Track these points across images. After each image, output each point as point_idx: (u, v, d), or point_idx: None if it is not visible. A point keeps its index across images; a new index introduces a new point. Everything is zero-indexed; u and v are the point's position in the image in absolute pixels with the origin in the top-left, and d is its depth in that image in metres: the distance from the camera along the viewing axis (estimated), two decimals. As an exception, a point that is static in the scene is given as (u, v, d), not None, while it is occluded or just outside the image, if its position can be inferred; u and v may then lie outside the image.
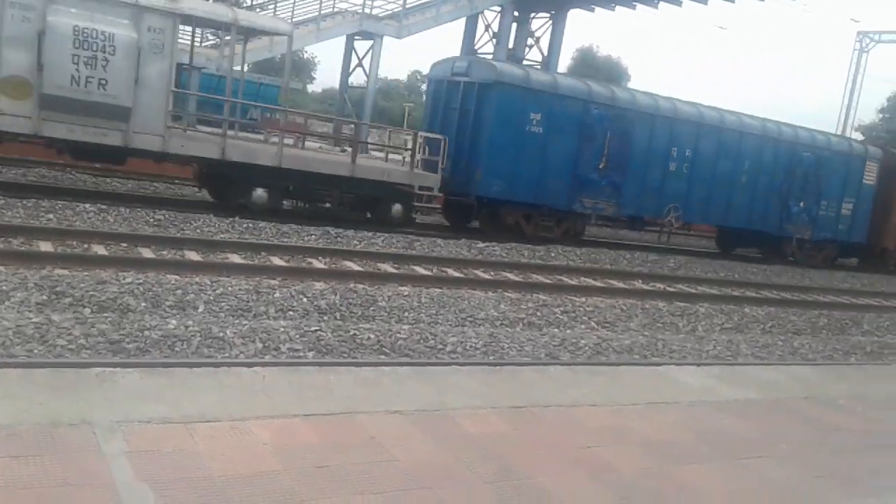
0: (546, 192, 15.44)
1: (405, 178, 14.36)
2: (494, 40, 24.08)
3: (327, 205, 13.80)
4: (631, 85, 53.22)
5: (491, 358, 6.80)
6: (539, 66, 23.68)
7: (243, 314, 7.03)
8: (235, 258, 9.37)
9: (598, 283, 12.02)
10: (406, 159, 15.09)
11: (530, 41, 24.58)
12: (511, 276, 11.24)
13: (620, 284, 12.35)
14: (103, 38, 11.24)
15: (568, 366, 6.16)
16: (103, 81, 11.29)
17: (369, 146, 18.66)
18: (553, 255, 13.98)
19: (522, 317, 8.82)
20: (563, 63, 48.84)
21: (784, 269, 18.45)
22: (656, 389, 5.51)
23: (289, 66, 15.71)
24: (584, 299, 10.48)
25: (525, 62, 24.31)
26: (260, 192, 12.88)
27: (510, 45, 24.03)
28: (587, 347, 7.89)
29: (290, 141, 14.82)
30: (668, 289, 12.65)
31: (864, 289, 17.46)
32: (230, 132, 13.36)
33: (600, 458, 3.98)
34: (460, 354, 6.80)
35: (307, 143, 16.22)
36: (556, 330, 8.53)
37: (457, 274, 10.81)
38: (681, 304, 11.43)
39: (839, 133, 38.49)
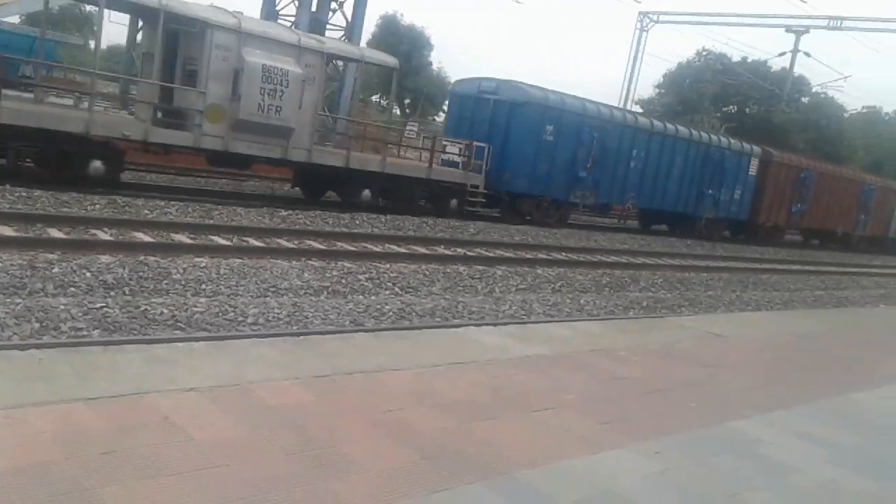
0: (552, 187, 20.32)
1: (462, 178, 18.47)
2: (297, 2, 23.33)
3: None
4: (434, 55, 53.99)
5: (295, 328, 6.70)
6: (343, 32, 23.45)
7: (16, 292, 6.39)
8: (6, 230, 8.48)
9: (402, 250, 12.19)
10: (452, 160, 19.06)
11: (334, 5, 24.10)
12: (315, 245, 11.10)
13: (423, 250, 12.60)
14: (280, 74, 14.24)
15: (372, 332, 6.20)
16: (279, 108, 14.29)
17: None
18: (358, 222, 13.98)
19: (327, 285, 8.75)
20: (367, 29, 48.40)
21: (572, 233, 19.72)
22: (457, 350, 5.68)
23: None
24: (388, 265, 10.58)
25: (328, 27, 23.90)
26: (366, 192, 16.22)
27: (313, 9, 23.43)
28: (391, 313, 7.98)
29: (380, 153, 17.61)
30: (468, 253, 13.08)
31: (641, 249, 19.05)
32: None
33: (403, 421, 4.04)
34: (262, 326, 6.64)
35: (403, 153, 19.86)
36: (360, 297, 8.55)
37: (258, 243, 10.50)
38: (480, 268, 11.85)
39: (620, 105, 41.74)
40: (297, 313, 7.21)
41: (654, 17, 44.57)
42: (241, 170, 16.73)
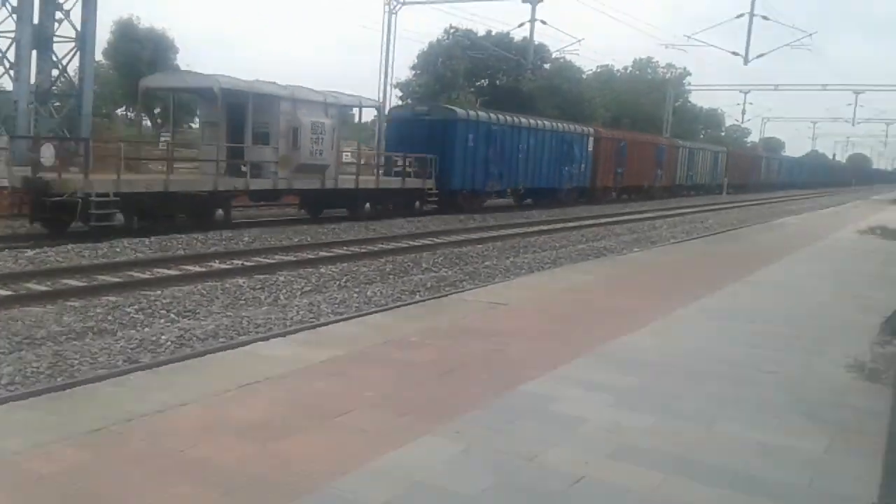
0: (476, 182, 27.56)
1: (422, 184, 24.75)
2: (15, 16, 20.91)
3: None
4: (180, 56, 51.21)
5: (59, 380, 6.09)
6: (74, 44, 21.77)
7: None
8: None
9: (173, 272, 11.56)
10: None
11: (59, 15, 21.99)
12: (72, 283, 10.20)
13: (197, 268, 12.04)
14: (320, 126, 20.16)
15: (150, 368, 5.79)
16: (321, 151, 20.24)
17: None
18: (118, 249, 13.04)
19: (91, 325, 8.08)
20: (102, 37, 44.75)
21: (350, 226, 19.76)
22: (247, 370, 5.45)
23: None
24: (159, 291, 9.98)
25: (56, 39, 21.91)
26: (367, 205, 22.29)
27: (35, 21, 21.16)
28: (169, 343, 7.54)
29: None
30: (245, 264, 12.68)
31: (418, 231, 19.52)
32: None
33: (199, 459, 3.80)
34: (20, 385, 5.96)
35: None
36: (132, 331, 7.99)
37: (4, 291, 9.44)
38: (260, 277, 11.54)
39: (381, 90, 42.63)
40: (59, 363, 6.57)
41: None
42: (275, 201, 22.53)
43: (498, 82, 74.21)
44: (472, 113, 28.27)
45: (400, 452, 3.98)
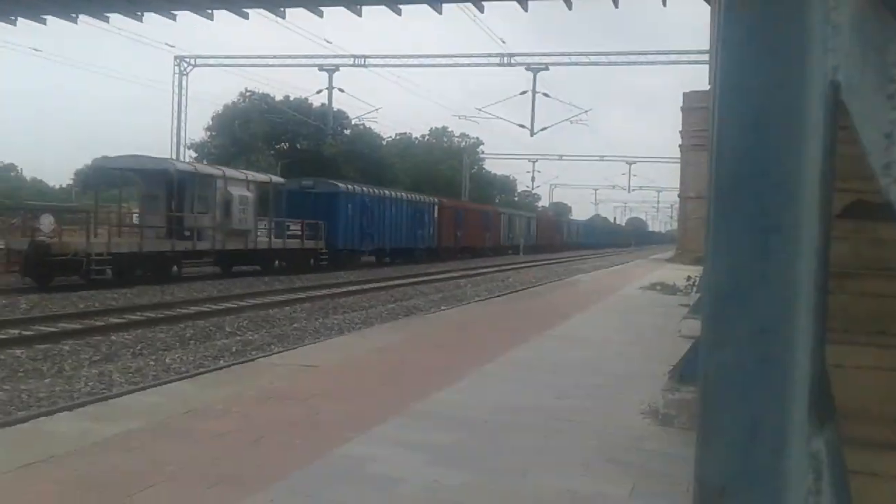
0: (355, 242, 34.21)
1: (315, 245, 30.84)
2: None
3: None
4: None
5: None
6: None
7: None
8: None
9: (-65, 345, 10.23)
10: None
11: None
12: None
13: (-35, 340, 10.75)
14: (245, 199, 26.12)
15: None
16: (245, 219, 26.06)
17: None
18: None
19: None
20: None
21: (145, 289, 18.62)
22: (28, 450, 4.88)
23: None
24: (-83, 367, 8.77)
25: None
26: (277, 262, 28.69)
27: None
28: (-69, 424, 6.58)
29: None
30: (24, 333, 11.52)
31: (221, 294, 18.76)
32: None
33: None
34: None
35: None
36: None
37: None
38: (42, 347, 10.54)
39: (173, 151, 41.41)
40: None
41: (192, 62, 44.26)
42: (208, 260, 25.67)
43: (299, 146, 74.11)
44: (350, 186, 35.84)
45: (208, 529, 3.71)
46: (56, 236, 19.41)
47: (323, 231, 31.16)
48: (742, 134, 0.86)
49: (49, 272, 18.65)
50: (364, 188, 36.75)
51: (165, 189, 23.65)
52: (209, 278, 23.42)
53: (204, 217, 23.95)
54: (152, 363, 10.21)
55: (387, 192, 39.20)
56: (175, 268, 22.83)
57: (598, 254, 71.80)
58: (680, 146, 39.03)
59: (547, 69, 40.57)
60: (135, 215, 26.11)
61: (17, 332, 11.59)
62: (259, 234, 27.20)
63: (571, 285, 23.39)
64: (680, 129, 38.57)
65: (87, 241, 19.69)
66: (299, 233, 30.07)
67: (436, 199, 44.79)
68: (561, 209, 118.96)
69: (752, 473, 0.81)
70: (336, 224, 32.48)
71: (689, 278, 19.07)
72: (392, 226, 37.98)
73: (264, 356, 10.15)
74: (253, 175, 28.12)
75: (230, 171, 26.59)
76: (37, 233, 19.25)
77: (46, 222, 19.70)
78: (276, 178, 31.51)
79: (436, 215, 43.74)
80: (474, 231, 50.54)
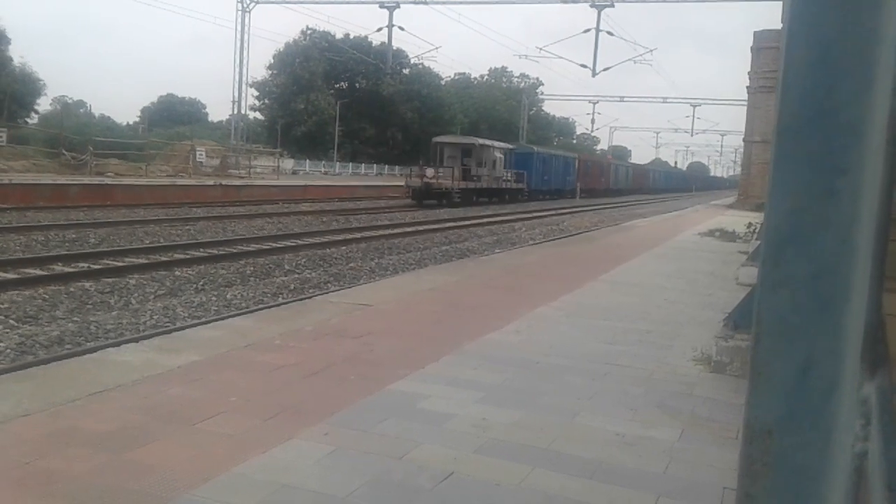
0: (540, 185, 52.19)
1: (521, 186, 47.86)
2: None
3: None
4: (13, 48, 47.95)
5: None
6: None
7: None
8: None
9: (11, 275, 10.71)
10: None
11: None
12: None
13: (38, 271, 11.21)
14: (500, 160, 44.79)
15: (-14, 378, 5.31)
16: (500, 170, 44.66)
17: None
18: (-54, 251, 11.93)
19: (-84, 333, 7.32)
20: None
21: (208, 225, 19.05)
22: (97, 378, 5.12)
23: None
24: (-5, 296, 9.20)
25: None
26: (507, 197, 46.13)
27: None
28: (9, 350, 6.98)
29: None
30: (93, 266, 11.94)
31: (280, 233, 19.10)
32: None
33: (47, 470, 3.53)
34: None
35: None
36: (-36, 339, 7.31)
37: None
38: (109, 280, 10.91)
39: (235, 88, 41.89)
40: None
41: (254, -2, 44.29)
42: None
43: (357, 85, 73.74)
44: (537, 148, 54.99)
45: (267, 456, 3.86)
46: (435, 178, 36.25)
47: (524, 177, 47.27)
48: (811, 72, 0.84)
49: (427, 198, 35.56)
50: (543, 150, 56.58)
51: (461, 153, 40.03)
52: (269, 216, 23.82)
53: (483, 169, 40.82)
54: (214, 298, 10.51)
55: (553, 151, 61.43)
56: (474, 197, 39.85)
57: (656, 199, 70.57)
58: (747, 88, 37.71)
59: (612, 5, 39.42)
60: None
61: (86, 265, 12.03)
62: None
63: (627, 230, 23.11)
64: (748, 70, 37.22)
65: (451, 182, 36.89)
66: (513, 178, 45.71)
67: (576, 155, 64.57)
68: (620, 152, 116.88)
69: (801, 415, 0.81)
70: (531, 173, 48.75)
71: (749, 225, 18.66)
72: (556, 174, 55.37)
73: (321, 294, 10.36)
74: (502, 144, 45.64)
75: (496, 143, 44.59)
76: (423, 178, 36.28)
77: (430, 172, 36.47)
78: (507, 145, 47.40)
79: (575, 166, 60.79)
80: (595, 177, 67.20)
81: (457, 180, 37.49)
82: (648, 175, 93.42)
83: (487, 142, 43.38)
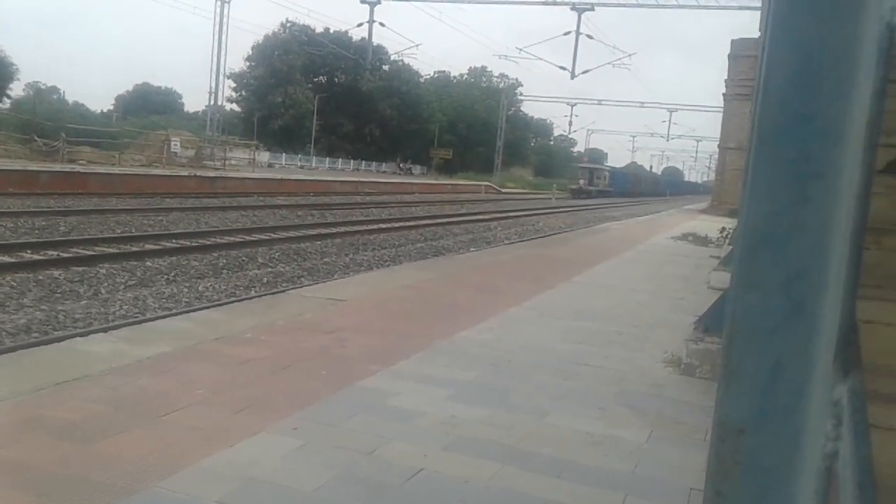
0: (619, 189, 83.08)
1: (606, 189, 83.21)
2: None
3: None
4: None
5: None
6: None
7: None
8: None
9: (-23, 261, 10.51)
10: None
11: None
12: None
13: (6, 258, 11.04)
14: (607, 174, 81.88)
15: (-51, 365, 5.21)
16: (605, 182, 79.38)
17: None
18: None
19: None
20: None
21: (181, 217, 18.85)
22: (63, 367, 5.05)
23: None
24: (-40, 282, 9.04)
25: None
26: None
27: None
28: (-27, 337, 6.82)
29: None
30: (62, 255, 11.77)
31: (254, 226, 18.95)
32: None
33: (9, 460, 3.47)
34: None
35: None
36: (-73, 325, 7.17)
37: None
38: (79, 269, 10.76)
39: (211, 82, 41.47)
40: None
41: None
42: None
43: (336, 79, 73.37)
44: (609, 165, 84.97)
45: (235, 449, 3.83)
46: (582, 185, 70.13)
47: (609, 184, 74.52)
48: (790, 76, 0.84)
49: (580, 195, 65.70)
50: (614, 167, 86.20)
51: (589, 172, 73.74)
52: (243, 209, 23.63)
53: (599, 182, 72.66)
54: (185, 290, 10.41)
55: (616, 167, 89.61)
56: (594, 193, 68.73)
57: (631, 203, 71.24)
58: (724, 95, 38.16)
59: (593, 9, 39.60)
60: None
61: (55, 253, 11.86)
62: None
63: (601, 233, 23.26)
64: (725, 77, 37.64)
65: (588, 184, 71.45)
66: (609, 184, 73.93)
67: (623, 168, 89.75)
68: (597, 155, 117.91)
69: (772, 414, 0.82)
70: (616, 182, 76.14)
71: (722, 230, 18.86)
72: (616, 181, 78.39)
73: (294, 288, 10.30)
74: (608, 166, 75.27)
75: (605, 165, 78.90)
76: (581, 182, 70.20)
77: (582, 182, 70.21)
78: (610, 167, 75.51)
79: (617, 169, 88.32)
80: (635, 185, 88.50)
81: (588, 185, 70.30)
82: (659, 182, 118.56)
83: (601, 165, 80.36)
